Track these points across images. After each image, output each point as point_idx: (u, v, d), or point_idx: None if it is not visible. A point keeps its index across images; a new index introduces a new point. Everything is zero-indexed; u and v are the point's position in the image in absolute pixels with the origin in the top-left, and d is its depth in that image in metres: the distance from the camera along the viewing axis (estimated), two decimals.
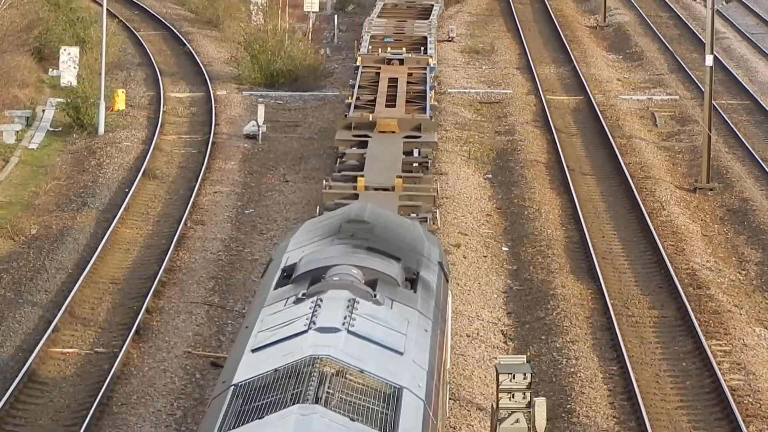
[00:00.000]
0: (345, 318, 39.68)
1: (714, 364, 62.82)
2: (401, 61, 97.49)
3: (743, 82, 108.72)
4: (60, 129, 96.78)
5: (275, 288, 45.12)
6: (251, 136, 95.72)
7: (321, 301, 40.98)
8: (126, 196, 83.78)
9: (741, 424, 57.33)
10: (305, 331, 38.62)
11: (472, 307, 69.02)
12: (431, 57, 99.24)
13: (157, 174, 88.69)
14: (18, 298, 70.43)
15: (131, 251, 76.91)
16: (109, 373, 61.08)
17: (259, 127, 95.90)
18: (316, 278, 43.58)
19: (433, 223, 69.40)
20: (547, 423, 53.27)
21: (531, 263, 75.89)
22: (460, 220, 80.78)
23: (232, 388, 36.41)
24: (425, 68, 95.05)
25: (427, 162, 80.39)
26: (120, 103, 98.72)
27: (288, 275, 45.17)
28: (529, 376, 53.56)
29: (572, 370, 62.79)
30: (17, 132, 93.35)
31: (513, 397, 53.21)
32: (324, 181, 73.38)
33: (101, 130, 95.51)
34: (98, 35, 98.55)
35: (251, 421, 33.25)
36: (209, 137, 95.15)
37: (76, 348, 64.64)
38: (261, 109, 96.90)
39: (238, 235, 80.00)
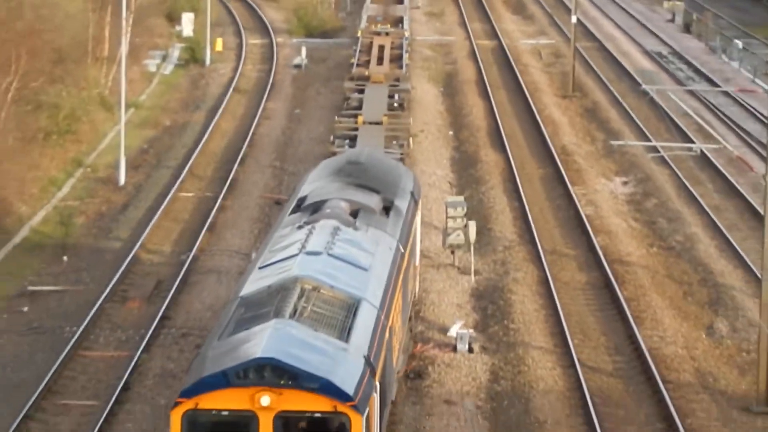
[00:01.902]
0: (328, 243, 35.43)
1: (576, 201, 63.17)
2: (387, 34, 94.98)
3: (594, 32, 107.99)
4: (182, 62, 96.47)
5: (289, 214, 40.96)
6: (297, 66, 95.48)
7: (314, 228, 36.98)
8: (222, 103, 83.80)
9: (592, 236, 57.41)
10: (296, 255, 34.47)
11: (431, 167, 69.27)
12: (406, 30, 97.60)
13: (241, 89, 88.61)
14: (158, 163, 70.89)
15: (226, 136, 76.96)
16: (213, 207, 61.22)
17: (302, 60, 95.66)
18: (315, 209, 39.43)
19: (408, 146, 65.92)
20: (476, 236, 53.47)
21: (466, 141, 76.09)
22: (423, 115, 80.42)
23: (239, 299, 32.79)
24: (402, 38, 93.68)
25: (403, 102, 76.61)
26: (218, 47, 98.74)
27: (299, 205, 40.94)
28: (465, 208, 54.04)
29: (491, 205, 63.28)
30: (157, 64, 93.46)
31: (455, 221, 53.49)
32: (336, 117, 71.63)
33: (207, 63, 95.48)
34: (205, 5, 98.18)
35: (242, 331, 29.30)
36: (272, 67, 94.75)
37: (193, 193, 64.67)
38: (303, 50, 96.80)
39: (290, 125, 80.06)
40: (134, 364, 43.72)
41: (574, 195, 64.32)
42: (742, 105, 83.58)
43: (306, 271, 32.82)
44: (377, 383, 28.50)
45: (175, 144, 74.96)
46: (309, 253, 34.39)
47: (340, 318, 30.65)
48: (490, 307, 50.34)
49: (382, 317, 32.54)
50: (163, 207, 61.48)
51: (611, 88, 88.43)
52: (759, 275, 44.63)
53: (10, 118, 61.56)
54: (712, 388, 43.40)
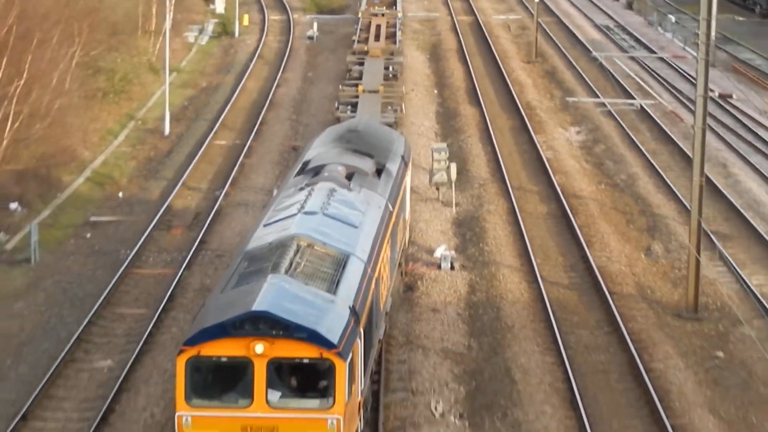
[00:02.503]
0: (324, 203, 33.41)
1: (539, 147, 63.09)
2: (383, 15, 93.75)
3: (553, 9, 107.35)
4: (215, 35, 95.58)
5: (294, 176, 38.48)
6: (310, 38, 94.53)
7: (313, 190, 34.83)
8: (249, 67, 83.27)
9: (552, 175, 57.41)
10: (296, 214, 32.58)
11: (419, 119, 68.93)
12: (399, 12, 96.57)
13: (264, 57, 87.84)
14: (197, 117, 70.65)
15: (252, 94, 76.54)
16: (242, 152, 61.14)
17: (314, 33, 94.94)
18: (316, 172, 37.07)
19: (401, 111, 64.57)
20: (456, 175, 53.37)
21: (448, 98, 75.59)
22: (413, 77, 80.00)
23: (243, 254, 31.16)
24: (396, 18, 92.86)
25: (397, 73, 74.80)
26: (245, 22, 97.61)
27: (303, 168, 38.57)
28: (447, 152, 53.88)
29: (468, 150, 63.14)
30: (195, 36, 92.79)
31: (440, 163, 53.37)
32: (340, 86, 70.39)
33: (236, 35, 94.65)
34: None
35: (242, 285, 27.89)
36: (289, 38, 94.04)
37: (225, 141, 64.57)
38: (315, 24, 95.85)
39: (304, 86, 79.54)
40: (177, 280, 43.93)
41: (536, 142, 64.15)
42: (674, 68, 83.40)
43: (302, 229, 31.19)
44: (361, 330, 27.37)
45: (210, 101, 74.60)
46: (306, 213, 32.63)
47: (330, 272, 29.11)
48: (468, 233, 50.41)
49: (369, 270, 30.80)
50: (200, 153, 61.44)
51: (567, 55, 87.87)
52: (688, 207, 44.52)
53: (75, 80, 61.42)
54: (650, 298, 43.51)
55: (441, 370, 37.11)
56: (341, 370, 24.54)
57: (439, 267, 45.87)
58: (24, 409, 33.74)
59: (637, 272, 46.16)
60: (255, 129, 66.55)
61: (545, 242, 49.32)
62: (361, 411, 27.14)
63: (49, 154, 56.14)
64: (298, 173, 38.37)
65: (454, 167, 54.01)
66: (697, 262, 41.99)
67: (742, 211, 52.82)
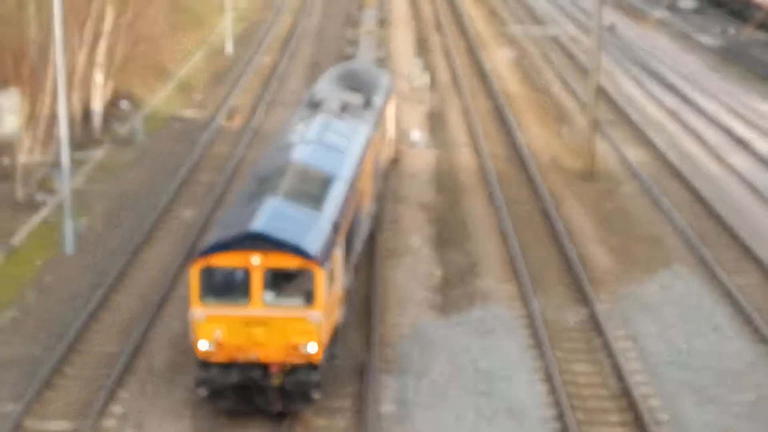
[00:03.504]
0: (319, 133, 30.24)
1: (483, 62, 62.32)
2: None
3: None
4: None
5: (302, 108, 34.64)
6: None
7: (312, 121, 31.59)
8: (285, 7, 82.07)
9: (492, 81, 56.91)
10: (296, 143, 29.50)
11: (401, 44, 68.09)
12: None
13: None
14: (249, 41, 69.62)
15: (287, 25, 75.55)
16: (279, 65, 60.40)
17: None
18: (318, 105, 33.40)
19: (385, 49, 61.67)
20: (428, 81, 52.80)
21: (422, 29, 74.64)
22: (397, 13, 79.01)
23: (252, 176, 28.31)
24: None
25: (385, 19, 73.68)
26: None
27: (309, 102, 34.75)
28: (422, 64, 53.16)
29: (436, 64, 62.32)
30: None
31: (416, 72, 52.81)
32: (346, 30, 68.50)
33: None
34: None
35: (247, 205, 25.15)
36: None
37: (270, 57, 63.82)
38: None
39: (322, 21, 78.39)
40: (237, 155, 43.60)
41: (482, 58, 63.47)
42: (577, 6, 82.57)
43: (298, 156, 28.13)
44: (342, 240, 25.36)
45: (258, 30, 73.60)
46: (304, 142, 29.51)
47: (319, 192, 26.33)
48: (435, 122, 50.12)
49: (351, 187, 27.81)
50: (252, 66, 60.91)
51: None
52: (586, 103, 44.34)
53: (165, 16, 60.57)
54: (560, 167, 43.35)
55: (417, 217, 37.12)
56: (320, 276, 22.66)
57: (416, 146, 45.70)
58: (134, 245, 33.73)
59: (552, 148, 45.93)
60: (289, 50, 65.81)
61: (488, 127, 48.98)
62: (343, 302, 25.66)
63: (148, 68, 55.74)
64: (305, 106, 34.81)
65: (427, 75, 53.57)
66: (593, 140, 41.91)
67: (624, 105, 52.68)
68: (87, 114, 47.23)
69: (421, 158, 44.12)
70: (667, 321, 28.92)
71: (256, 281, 22.67)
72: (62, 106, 34.06)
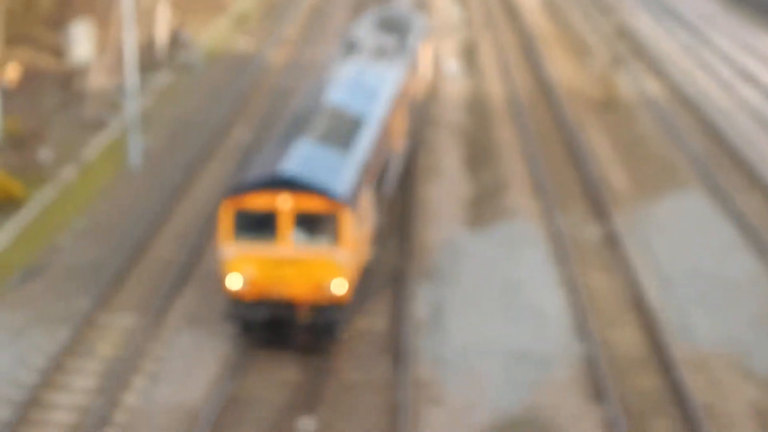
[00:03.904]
0: (355, 74, 28.43)
1: (514, 7, 61.22)
2: None
3: None
4: None
5: (340, 51, 32.53)
6: None
7: (349, 62, 29.80)
8: None
9: (523, 21, 55.87)
10: (331, 83, 27.56)
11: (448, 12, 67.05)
12: None
13: None
14: (272, 13, 68.75)
15: None
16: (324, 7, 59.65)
17: None
18: (354, 48, 31.68)
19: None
20: (461, 21, 51.84)
21: None
22: None
23: (289, 116, 26.07)
24: None
25: None
26: None
27: (347, 44, 32.66)
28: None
29: (473, 13, 61.18)
30: None
31: (449, 9, 51.80)
32: None
33: None
34: None
35: (277, 147, 23.29)
36: None
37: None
38: None
39: None
40: (285, 80, 43.17)
41: (513, 4, 62.52)
42: None
43: (333, 97, 26.20)
44: (372, 180, 23.76)
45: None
46: (339, 83, 27.48)
47: (349, 134, 24.39)
48: (469, 55, 49.27)
49: (381, 128, 26.03)
50: (302, 2, 60.13)
51: None
52: (609, 38, 43.45)
53: None
54: (584, 96, 42.68)
55: (451, 140, 36.69)
56: (348, 218, 21.02)
57: (450, 76, 45.08)
58: (195, 161, 33.56)
59: (576, 80, 45.14)
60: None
61: (518, 59, 48.23)
62: (371, 242, 23.83)
63: (207, 6, 55.30)
64: (343, 48, 32.62)
65: (462, 12, 52.72)
66: (613, 73, 41.17)
67: (642, 41, 51.73)
68: (151, 43, 46.98)
69: (455, 87, 43.57)
70: (679, 238, 28.61)
71: (285, 222, 21.14)
72: (129, 35, 33.91)
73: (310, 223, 21.28)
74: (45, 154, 33.95)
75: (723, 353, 22.75)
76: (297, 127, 24.33)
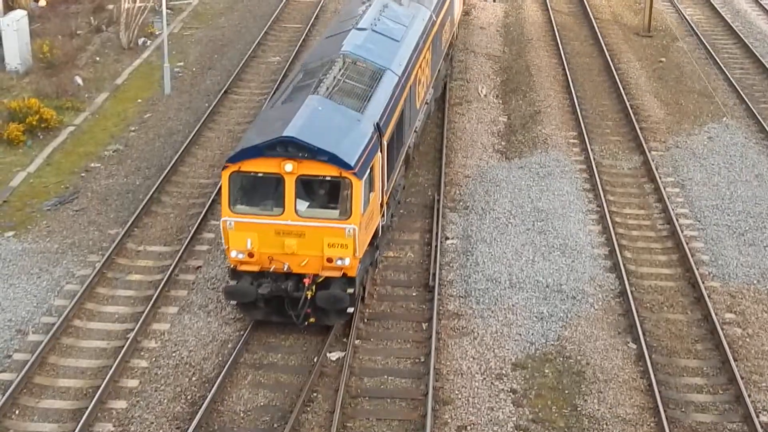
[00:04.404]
0: (375, 19, 25.37)
1: None
2: None
3: None
4: None
5: None
6: None
7: (369, 5, 26.65)
8: None
9: None
10: (350, 30, 24.71)
11: None
12: None
13: None
14: None
15: None
16: None
17: None
18: None
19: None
20: None
21: None
22: None
23: (301, 67, 23.87)
24: None
25: None
26: None
27: None
28: None
29: None
30: None
31: None
32: None
33: None
34: None
35: (287, 104, 21.18)
36: None
37: None
38: None
39: None
40: (320, 5, 42.58)
41: None
42: None
43: (349, 47, 23.50)
44: (385, 142, 21.03)
45: None
46: (358, 29, 24.69)
47: (365, 88, 21.97)
48: None
49: (402, 81, 23.41)
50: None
51: None
52: None
53: None
54: (620, 22, 41.92)
55: (485, 66, 36.17)
56: (357, 186, 19.03)
57: (485, 0, 44.34)
58: (226, 86, 33.45)
59: (612, 5, 44.35)
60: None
61: None
62: (384, 209, 21.61)
63: None
64: None
65: None
66: None
67: None
68: None
69: (491, 11, 42.78)
70: (713, 169, 28.26)
71: (289, 190, 19.18)
72: None
73: (317, 192, 19.55)
74: (77, 78, 33.88)
75: (756, 288, 22.56)
76: (309, 80, 22.11)
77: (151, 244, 24.11)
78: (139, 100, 32.87)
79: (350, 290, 19.63)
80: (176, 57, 36.43)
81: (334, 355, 19.93)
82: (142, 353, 20.06)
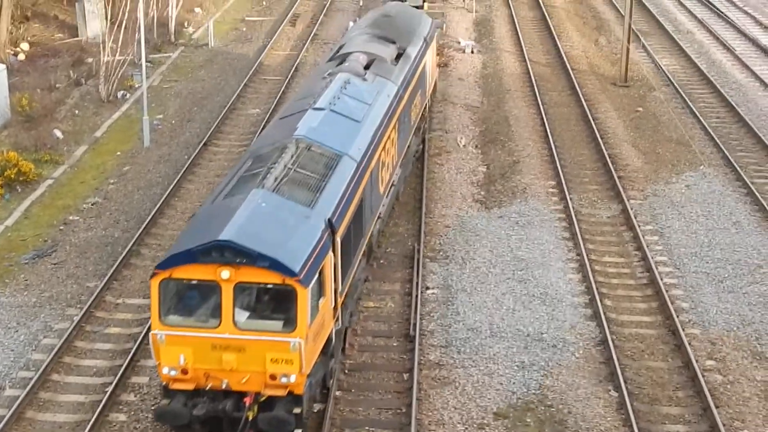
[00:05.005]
0: (334, 97, 22.94)
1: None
2: None
3: None
4: None
5: (326, 62, 27.36)
6: None
7: (330, 81, 24.06)
8: None
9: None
10: (306, 110, 22.24)
11: None
12: None
13: None
14: None
15: None
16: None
17: None
18: (341, 60, 26.19)
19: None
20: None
21: None
22: None
23: (250, 153, 21.08)
24: None
25: None
26: None
27: (334, 54, 27.60)
28: None
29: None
30: None
31: None
32: None
33: None
34: None
35: (225, 200, 18.51)
36: None
37: None
38: None
39: None
40: (300, 57, 43.04)
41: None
42: None
43: (304, 130, 21.05)
44: (338, 239, 18.56)
45: None
46: (315, 109, 22.20)
47: (318, 179, 19.55)
48: (482, 29, 49.03)
49: (362, 167, 21.14)
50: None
51: None
52: (623, 13, 43.02)
53: None
54: (596, 72, 42.42)
55: (464, 117, 36.47)
56: (303, 295, 16.72)
57: (464, 51, 44.79)
58: (205, 138, 33.57)
59: (589, 56, 44.91)
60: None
61: (531, 36, 47.89)
62: (339, 312, 19.31)
63: None
64: (329, 59, 27.39)
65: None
66: (627, 49, 40.81)
67: (657, 16, 51.26)
68: (164, 18, 46.78)
69: (469, 63, 43.24)
70: (691, 217, 28.41)
71: (227, 299, 16.76)
72: (141, 11, 33.76)
73: (258, 301, 17.15)
74: (56, 131, 33.92)
75: (735, 335, 22.62)
76: (256, 169, 19.61)
77: (130, 296, 23.98)
78: (119, 153, 32.91)
79: (297, 410, 17.17)
80: (156, 109, 36.59)
81: (314, 407, 19.68)
82: (121, 407, 19.85)
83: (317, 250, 17.62)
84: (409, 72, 27.37)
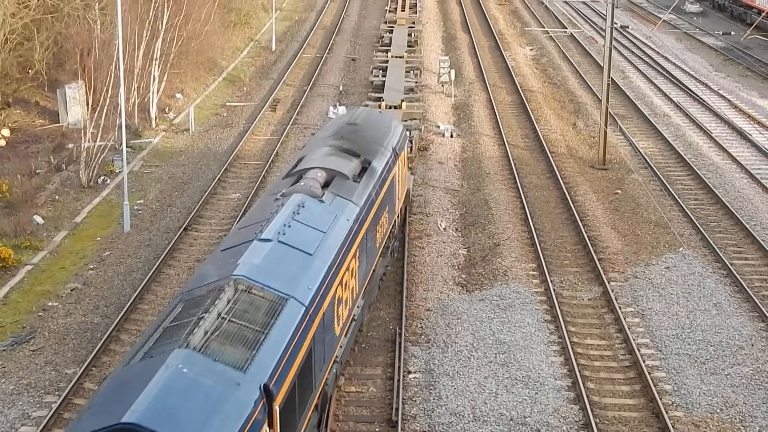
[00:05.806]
0: (284, 225, 19.55)
1: (506, 59, 61.58)
2: None
3: None
4: None
5: (282, 178, 24.01)
6: None
7: (281, 205, 20.81)
8: (324, 8, 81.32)
9: (514, 77, 56.17)
10: (251, 241, 18.86)
11: (431, 41, 67.14)
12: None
13: (336, 2, 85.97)
14: (292, 39, 69.06)
15: (327, 24, 74.76)
16: (321, 61, 59.85)
17: None
18: (297, 178, 23.04)
19: (420, 74, 46.76)
20: (455, 77, 52.38)
21: (449, 28, 73.73)
22: (428, 15, 78.18)
23: (180, 297, 17.49)
24: None
25: (417, 39, 62.13)
26: None
27: (291, 170, 24.20)
28: (449, 62, 52.79)
29: (462, 62, 61.44)
30: None
31: (444, 69, 52.36)
32: (373, 52, 58.00)
33: None
34: None
35: (145, 360, 14.99)
36: None
37: (310, 54, 63.25)
38: None
39: (359, 20, 77.47)
40: (280, 141, 43.35)
41: (504, 56, 62.75)
42: (592, 9, 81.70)
43: (245, 268, 17.67)
44: (277, 408, 15.11)
45: (300, 29, 72.99)
46: (261, 240, 18.86)
47: (256, 330, 16.17)
48: (461, 113, 49.58)
49: (312, 311, 17.73)
50: (294, 61, 60.38)
51: (525, 0, 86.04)
52: (600, 97, 43.64)
53: (216, 15, 60.31)
54: (575, 156, 42.85)
55: (444, 200, 36.71)
56: None
57: (443, 135, 45.23)
58: (185, 223, 33.62)
59: (567, 139, 45.41)
60: (329, 46, 65.28)
61: (509, 120, 48.44)
62: None
63: (200, 62, 55.55)
64: (286, 175, 24.17)
65: (453, 72, 53.03)
66: (605, 132, 41.30)
67: (634, 100, 52.01)
68: (145, 104, 47.16)
69: (448, 147, 43.64)
70: (672, 299, 28.52)
71: None
72: (122, 97, 34.04)
73: None
74: (36, 217, 33.90)
75: (718, 417, 22.59)
76: (182, 321, 16.19)
77: None
78: (99, 238, 32.89)
79: None
80: (136, 194, 36.68)
81: None
82: None
83: (246, 429, 14.33)
84: (374, 189, 24.29)
